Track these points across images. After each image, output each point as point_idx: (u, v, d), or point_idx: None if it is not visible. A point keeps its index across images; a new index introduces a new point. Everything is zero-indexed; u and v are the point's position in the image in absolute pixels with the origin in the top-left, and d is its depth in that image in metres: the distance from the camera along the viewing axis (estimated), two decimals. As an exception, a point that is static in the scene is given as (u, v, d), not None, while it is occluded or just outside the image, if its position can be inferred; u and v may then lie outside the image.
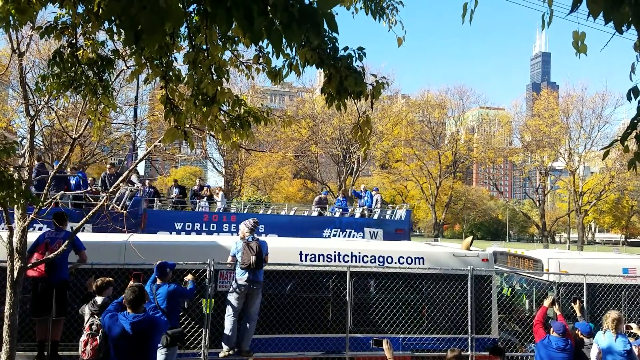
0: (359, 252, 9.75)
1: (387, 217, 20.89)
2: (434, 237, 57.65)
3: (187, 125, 4.60)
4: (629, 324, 8.51)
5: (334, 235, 18.51)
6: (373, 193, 21.74)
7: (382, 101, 60.71)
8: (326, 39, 4.76)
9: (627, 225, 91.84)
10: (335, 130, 54.60)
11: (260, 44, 3.96)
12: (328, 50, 4.79)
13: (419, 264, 9.82)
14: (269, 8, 2.28)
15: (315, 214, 21.62)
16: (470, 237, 11.06)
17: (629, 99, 3.49)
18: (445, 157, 65.21)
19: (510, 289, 12.29)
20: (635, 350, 7.44)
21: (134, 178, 18.41)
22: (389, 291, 9.51)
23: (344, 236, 18.51)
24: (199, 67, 3.69)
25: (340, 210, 21.78)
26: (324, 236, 18.14)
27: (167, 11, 1.76)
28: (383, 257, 9.79)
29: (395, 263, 9.76)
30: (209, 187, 21.67)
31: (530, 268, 11.34)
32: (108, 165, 19.68)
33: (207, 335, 8.34)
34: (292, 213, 22.52)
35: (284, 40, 2.68)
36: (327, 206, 22.52)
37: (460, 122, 67.82)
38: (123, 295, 5.96)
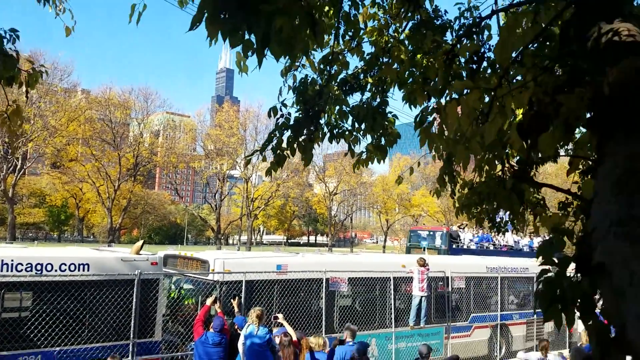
0: (12, 260, 8.60)
1: None
2: (108, 243, 54.96)
3: None
4: (276, 315, 9.70)
5: None
6: None
7: (57, 93, 55.21)
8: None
9: (289, 228, 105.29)
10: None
11: None
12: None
13: (84, 270, 9.25)
14: None
15: None
16: (141, 241, 10.93)
17: (269, 116, 4.03)
18: (127, 159, 63.15)
19: (178, 290, 12.59)
20: (277, 339, 8.55)
21: None
22: (47, 302, 8.64)
23: None
24: None
25: None
26: None
27: None
28: (41, 265, 8.87)
29: (57, 271, 8.96)
30: None
31: (199, 269, 11.84)
32: None
33: None
34: None
35: None
36: None
37: (145, 125, 66.85)
38: None
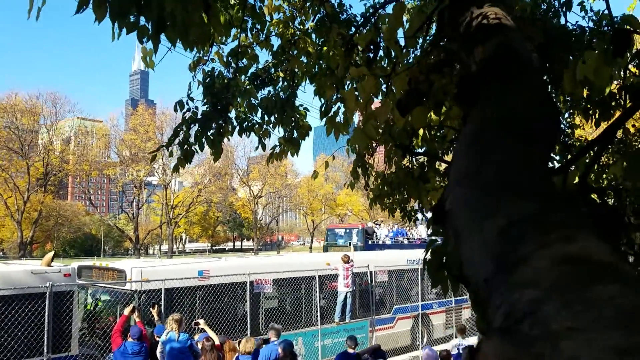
0: None
1: None
2: (19, 258, 51.50)
3: None
4: (197, 321, 9.52)
5: None
6: None
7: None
8: None
9: (213, 235, 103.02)
10: None
11: None
12: None
13: None
14: None
15: None
16: (52, 253, 10.47)
17: (175, 110, 3.98)
18: (36, 168, 59.38)
19: (94, 302, 12.05)
20: (200, 345, 8.42)
21: None
22: None
23: None
24: None
25: None
26: None
27: None
28: (-57, 283, 8.24)
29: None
30: None
31: (115, 279, 11.38)
32: None
33: None
34: None
35: None
36: None
37: (54, 132, 63.18)
38: None
